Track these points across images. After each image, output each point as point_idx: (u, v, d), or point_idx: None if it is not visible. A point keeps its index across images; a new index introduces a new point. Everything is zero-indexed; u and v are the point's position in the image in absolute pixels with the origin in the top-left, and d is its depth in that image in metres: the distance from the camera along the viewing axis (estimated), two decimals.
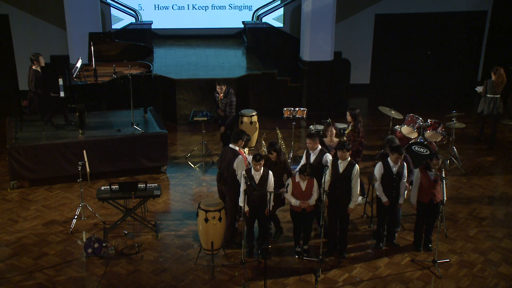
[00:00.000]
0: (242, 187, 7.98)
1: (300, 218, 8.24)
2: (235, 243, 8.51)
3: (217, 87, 11.01)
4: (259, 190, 7.87)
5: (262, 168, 7.95)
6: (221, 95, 11.03)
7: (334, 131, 9.12)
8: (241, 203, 8.01)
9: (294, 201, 8.08)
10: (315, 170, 7.99)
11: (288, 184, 8.14)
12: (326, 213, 7.92)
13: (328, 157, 8.34)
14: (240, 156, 8.41)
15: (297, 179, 8.03)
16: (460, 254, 8.48)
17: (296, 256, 8.32)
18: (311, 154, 8.46)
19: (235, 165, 8.26)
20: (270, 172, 8.01)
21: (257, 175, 7.93)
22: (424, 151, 10.46)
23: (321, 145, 8.58)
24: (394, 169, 8.21)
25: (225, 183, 8.43)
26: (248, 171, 7.98)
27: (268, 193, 7.85)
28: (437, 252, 8.16)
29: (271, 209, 8.05)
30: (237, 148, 8.48)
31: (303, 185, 8.01)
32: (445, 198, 8.01)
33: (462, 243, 8.78)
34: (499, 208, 9.89)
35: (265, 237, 8.32)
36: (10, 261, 8.12)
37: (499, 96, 12.13)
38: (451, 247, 8.64)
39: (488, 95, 12.10)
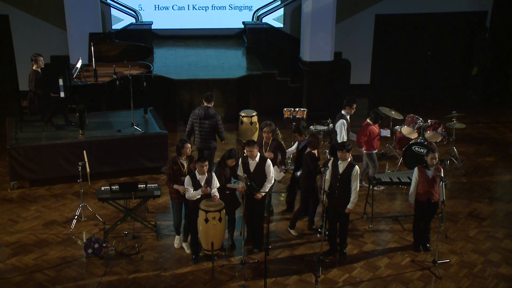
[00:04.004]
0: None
1: None
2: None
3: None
4: (258, 190, 7.91)
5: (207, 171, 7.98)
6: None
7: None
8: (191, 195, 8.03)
9: None
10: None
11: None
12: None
13: (272, 167, 8.33)
14: (342, 120, 9.64)
15: None
16: (460, 254, 8.48)
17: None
18: (250, 162, 8.21)
19: (337, 126, 9.60)
20: (213, 174, 8.06)
21: (202, 179, 7.95)
22: (424, 152, 10.46)
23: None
24: None
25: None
26: (191, 174, 8.00)
27: (269, 194, 7.88)
28: (437, 253, 8.15)
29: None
30: (344, 113, 9.76)
31: None
32: (443, 198, 8.01)
33: (462, 243, 8.77)
34: (499, 208, 9.89)
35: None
36: (10, 262, 8.12)
37: None
38: (451, 248, 8.64)
39: None
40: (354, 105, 9.97)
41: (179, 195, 8.10)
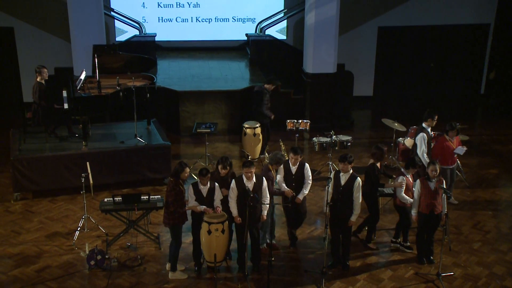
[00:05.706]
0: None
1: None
2: None
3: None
4: (263, 202, 7.90)
5: (209, 182, 7.95)
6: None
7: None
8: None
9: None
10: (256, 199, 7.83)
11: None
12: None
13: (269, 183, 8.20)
14: (422, 133, 9.54)
15: None
16: (464, 267, 8.44)
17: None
18: (247, 184, 7.88)
19: (417, 139, 9.58)
20: (217, 185, 8.04)
21: (204, 189, 7.94)
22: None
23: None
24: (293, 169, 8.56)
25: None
26: (194, 185, 7.97)
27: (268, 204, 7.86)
28: (441, 265, 8.11)
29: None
30: (424, 126, 9.67)
31: None
32: (445, 210, 7.98)
33: (466, 256, 8.73)
34: (503, 221, 9.85)
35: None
36: (13, 273, 8.10)
37: None
38: (455, 260, 8.59)
39: None
40: (436, 117, 9.75)
41: (184, 216, 8.01)
